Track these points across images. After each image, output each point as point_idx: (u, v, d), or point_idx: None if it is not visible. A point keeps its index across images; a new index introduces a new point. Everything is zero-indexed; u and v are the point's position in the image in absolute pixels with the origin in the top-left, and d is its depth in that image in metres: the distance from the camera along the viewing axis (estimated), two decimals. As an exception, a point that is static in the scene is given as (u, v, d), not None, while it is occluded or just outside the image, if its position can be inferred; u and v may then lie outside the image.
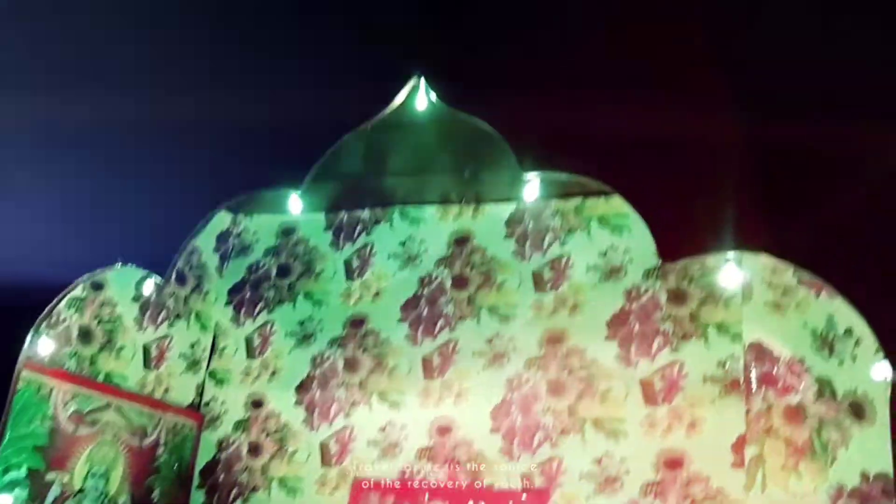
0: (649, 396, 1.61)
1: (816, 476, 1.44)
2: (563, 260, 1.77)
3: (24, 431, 1.49)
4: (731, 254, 1.28)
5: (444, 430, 1.74)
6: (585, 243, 1.76)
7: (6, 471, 1.46)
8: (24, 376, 1.47)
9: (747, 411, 1.52)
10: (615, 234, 1.74)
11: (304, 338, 1.93)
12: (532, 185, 1.41)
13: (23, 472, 1.49)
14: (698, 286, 1.63)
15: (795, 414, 1.49)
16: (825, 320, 1.49)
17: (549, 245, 1.80)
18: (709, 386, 1.57)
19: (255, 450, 1.88)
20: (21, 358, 1.45)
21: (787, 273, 1.53)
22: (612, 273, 1.72)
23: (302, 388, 1.89)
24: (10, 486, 1.46)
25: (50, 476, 1.54)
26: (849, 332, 1.46)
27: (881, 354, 1.11)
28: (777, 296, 1.55)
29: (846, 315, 1.43)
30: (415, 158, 1.75)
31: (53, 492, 1.55)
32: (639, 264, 1.69)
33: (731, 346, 1.58)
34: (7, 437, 1.45)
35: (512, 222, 1.84)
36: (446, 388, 1.77)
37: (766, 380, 1.52)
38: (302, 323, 1.94)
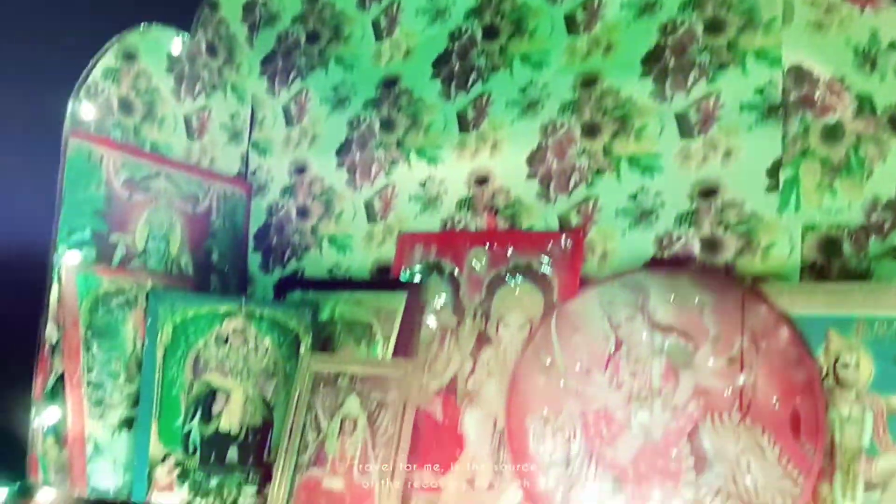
0: (685, 129, 1.59)
1: (851, 191, 1.44)
2: None
3: (81, 196, 1.57)
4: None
5: (481, 181, 1.78)
6: (618, -21, 1.68)
7: (71, 232, 1.56)
8: (73, 143, 1.53)
9: (784, 135, 1.51)
10: (650, -34, 1.65)
11: (339, 102, 1.93)
12: None
13: (87, 233, 1.60)
14: (737, 13, 1.56)
15: (833, 133, 1.47)
16: (868, 36, 1.43)
17: (581, -15, 1.72)
18: (745, 114, 1.54)
19: (303, 212, 1.96)
20: (66, 125, 1.49)
21: (830, -12, 1.46)
22: (647, 9, 1.65)
23: (342, 151, 1.93)
24: (77, 245, 1.57)
25: (114, 237, 1.65)
26: (892, 45, 1.41)
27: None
28: (819, 14, 1.49)
29: (891, 28, 1.38)
30: None
31: (119, 252, 1.66)
32: (674, -4, 1.62)
33: (770, 71, 1.53)
34: (66, 201, 1.54)
35: (541, -35, 1.76)
36: (482, 139, 1.78)
37: (805, 102, 1.49)
38: (336, 88, 1.94)
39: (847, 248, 1.44)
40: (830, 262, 1.45)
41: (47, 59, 1.43)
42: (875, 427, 1.29)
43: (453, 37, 1.83)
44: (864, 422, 1.31)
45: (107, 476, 1.54)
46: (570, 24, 1.72)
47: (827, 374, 1.34)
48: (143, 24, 1.50)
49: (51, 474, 1.47)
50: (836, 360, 1.34)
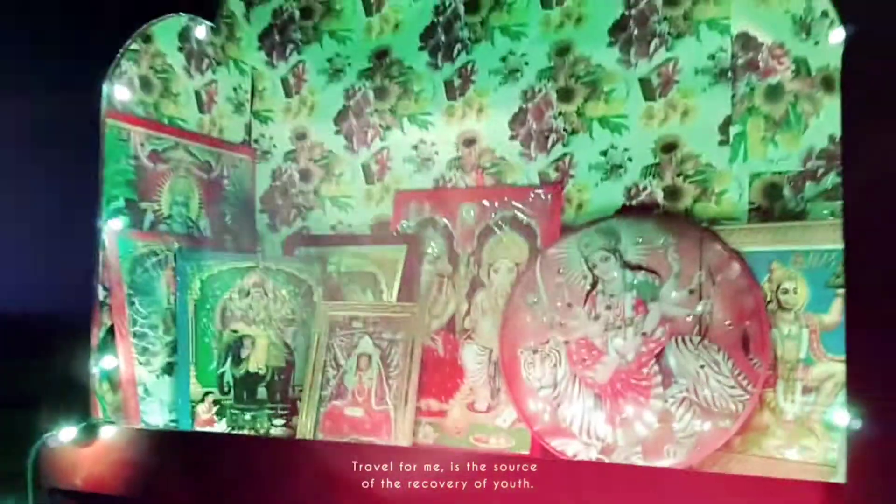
0: (648, 92, 1.80)
1: (790, 143, 1.67)
2: (567, -24, 1.89)
3: (115, 169, 1.76)
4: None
5: (469, 142, 1.97)
6: (587, -42, 1.87)
7: (109, 201, 1.75)
8: (109, 123, 1.71)
9: (733, 95, 1.73)
10: (614, -56, 1.84)
11: (335, 73, 2.11)
12: None
13: (122, 202, 1.79)
14: (692, -15, 1.76)
15: (774, 92, 1.69)
16: (804, 6, 1.65)
17: (552, -35, 1.91)
18: (700, 77, 1.75)
19: (305, 176, 2.15)
20: (103, 107, 1.67)
21: (771, -37, 1.66)
22: (612, -17, 1.85)
23: (339, 118, 2.11)
24: (115, 213, 1.76)
25: (143, 205, 1.84)
26: (825, 14, 1.63)
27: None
28: (762, -13, 1.71)
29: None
30: None
31: (148, 217, 1.85)
32: (635, -28, 1.80)
33: (721, 39, 1.74)
34: (105, 175, 1.72)
35: (514, -56, 1.94)
36: (468, 105, 1.97)
37: (750, 66, 1.71)
38: (330, 60, 2.11)
39: (787, 192, 1.67)
40: (773, 205, 1.68)
41: (81, 48, 1.59)
42: (810, 341, 1.54)
43: (438, 10, 2.01)
44: (801, 337, 1.54)
45: (156, 414, 1.76)
46: (545, -1, 1.91)
47: (771, 300, 1.58)
48: (171, 15, 1.67)
49: (110, 414, 1.68)
50: (778, 288, 1.57)
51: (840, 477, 1.12)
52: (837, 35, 1.23)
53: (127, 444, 1.58)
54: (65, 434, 1.55)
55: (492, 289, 1.86)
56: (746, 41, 1.72)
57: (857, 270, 1.12)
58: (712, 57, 1.75)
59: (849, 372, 1.10)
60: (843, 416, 1.11)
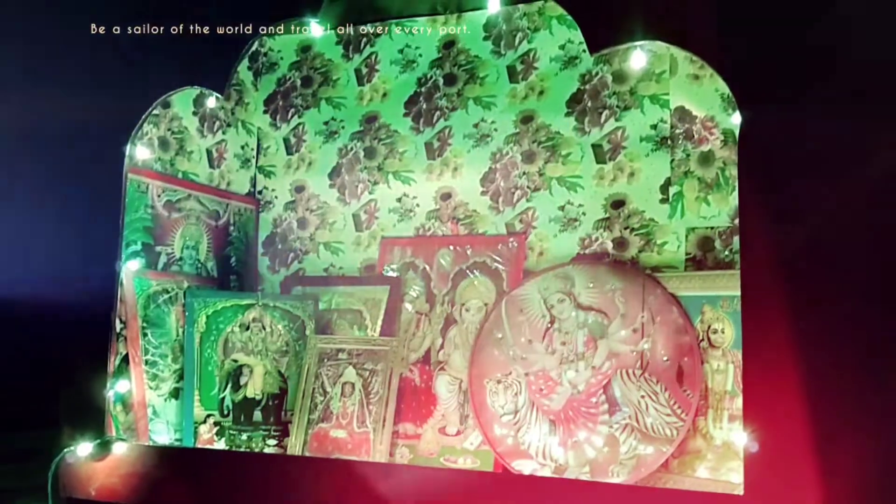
0: (599, 156, 1.95)
1: (720, 202, 1.81)
2: (531, 54, 2.05)
3: (135, 217, 1.89)
4: (645, 43, 1.55)
5: (446, 196, 2.11)
6: (548, 39, 2.03)
7: (128, 245, 1.88)
8: (130, 177, 1.85)
9: (672, 160, 1.87)
10: (571, 29, 1.99)
11: (330, 134, 2.25)
12: None
13: (139, 245, 1.92)
14: (635, 67, 1.92)
15: (707, 159, 1.84)
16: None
17: (520, 42, 2.07)
18: (644, 144, 1.90)
19: (302, 224, 2.28)
20: (126, 164, 1.81)
21: (704, 50, 1.82)
22: (570, 62, 2.00)
23: (333, 173, 2.25)
24: (133, 255, 1.89)
25: (158, 248, 1.97)
26: (747, 93, 1.78)
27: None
28: (696, 69, 1.85)
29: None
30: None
31: (162, 259, 1.98)
32: (590, 53, 1.96)
33: (661, 111, 1.89)
34: (125, 222, 1.86)
35: (489, 26, 2.10)
36: (445, 164, 2.12)
37: (687, 135, 1.86)
38: (327, 123, 2.27)
39: (717, 244, 1.80)
40: (706, 255, 1.81)
41: (109, 113, 1.74)
42: (735, 375, 1.64)
43: (420, 82, 2.16)
44: (728, 372, 1.66)
45: (163, 433, 1.86)
46: (512, 74, 2.06)
47: (702, 339, 1.70)
48: (187, 86, 1.82)
49: (122, 432, 1.79)
50: (709, 328, 1.69)
51: (740, 489, 1.23)
52: (736, 118, 1.36)
53: (137, 459, 1.68)
54: (82, 449, 1.66)
55: (463, 325, 1.98)
56: (683, 114, 1.86)
57: (751, 319, 1.24)
58: (654, 127, 1.90)
59: (745, 402, 1.22)
60: (741, 438, 1.23)
